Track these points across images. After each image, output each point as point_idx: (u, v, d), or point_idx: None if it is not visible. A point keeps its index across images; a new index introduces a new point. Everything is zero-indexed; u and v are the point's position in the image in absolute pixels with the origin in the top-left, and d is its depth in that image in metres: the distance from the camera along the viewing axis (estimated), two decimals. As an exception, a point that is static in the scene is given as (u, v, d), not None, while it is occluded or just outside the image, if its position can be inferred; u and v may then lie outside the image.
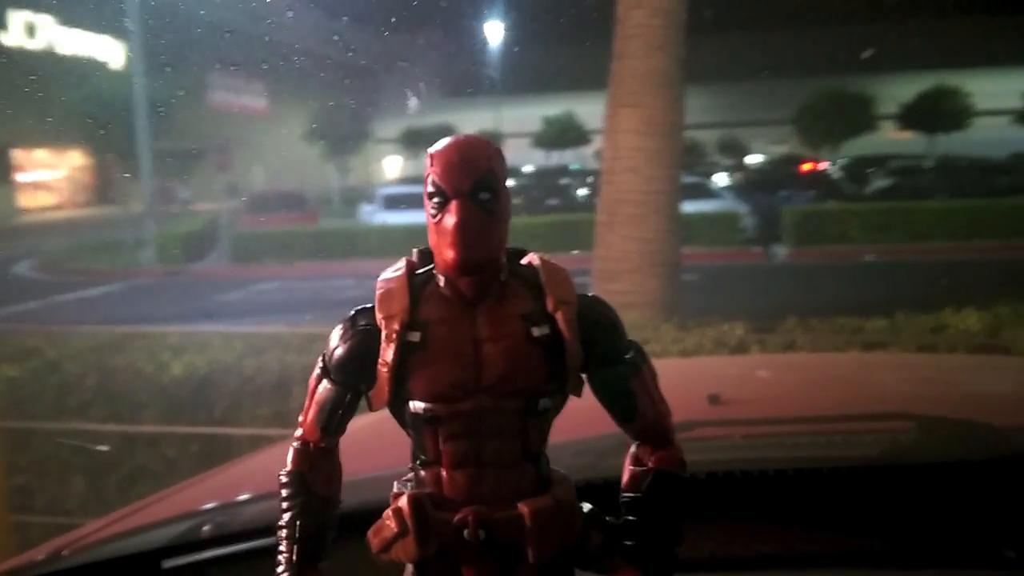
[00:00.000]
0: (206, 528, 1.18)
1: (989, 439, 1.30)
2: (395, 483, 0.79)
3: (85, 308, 12.42)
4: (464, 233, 0.73)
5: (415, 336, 0.75)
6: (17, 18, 26.82)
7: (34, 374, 3.94)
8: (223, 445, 3.61)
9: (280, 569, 0.80)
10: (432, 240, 0.76)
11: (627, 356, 0.80)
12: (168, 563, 1.15)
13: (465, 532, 0.75)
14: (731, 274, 13.37)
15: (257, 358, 3.91)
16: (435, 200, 0.75)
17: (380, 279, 0.79)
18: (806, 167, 23.40)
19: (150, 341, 4.29)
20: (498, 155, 0.77)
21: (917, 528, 1.08)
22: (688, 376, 2.05)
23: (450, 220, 0.73)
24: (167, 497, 1.57)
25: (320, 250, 15.79)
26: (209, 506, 1.37)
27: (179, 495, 1.57)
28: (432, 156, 0.76)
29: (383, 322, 0.76)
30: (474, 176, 0.74)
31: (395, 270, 0.79)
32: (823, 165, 24.02)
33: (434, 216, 0.75)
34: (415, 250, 0.81)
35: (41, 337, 4.43)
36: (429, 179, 0.75)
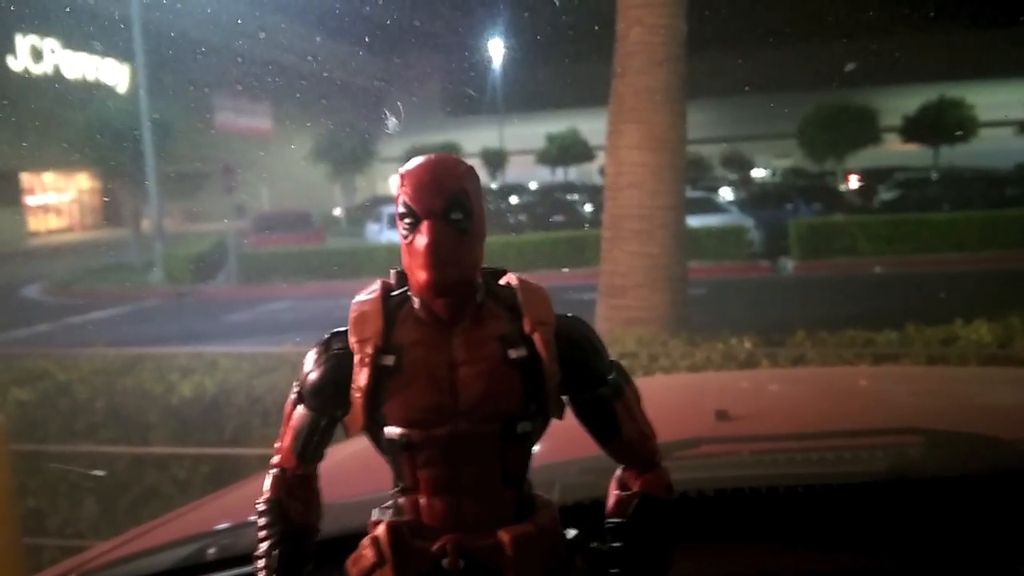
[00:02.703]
0: (212, 550, 1.17)
1: (1002, 453, 1.28)
2: (374, 511, 0.78)
3: (95, 330, 12.46)
4: (436, 254, 0.71)
5: (389, 360, 0.74)
6: (24, 43, 27.08)
7: (44, 397, 3.95)
8: (233, 466, 3.61)
9: None
10: (405, 261, 0.74)
11: (609, 377, 0.79)
12: None
13: (444, 561, 0.73)
14: (739, 288, 13.34)
15: (266, 378, 3.91)
16: (407, 221, 0.73)
17: (354, 301, 0.77)
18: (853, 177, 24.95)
19: (159, 362, 4.29)
20: (470, 174, 0.75)
21: (929, 545, 1.07)
22: (695, 392, 2.04)
23: (422, 241, 0.72)
24: (175, 519, 1.57)
25: (327, 269, 15.84)
26: (217, 528, 1.36)
27: (187, 517, 1.57)
28: (403, 176, 0.74)
29: (356, 346, 0.74)
30: (445, 196, 0.72)
31: (369, 292, 0.77)
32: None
33: (406, 237, 0.73)
34: (392, 271, 0.79)
35: (51, 360, 4.44)
36: (400, 199, 0.73)
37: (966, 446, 1.33)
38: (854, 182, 25.43)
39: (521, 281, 0.78)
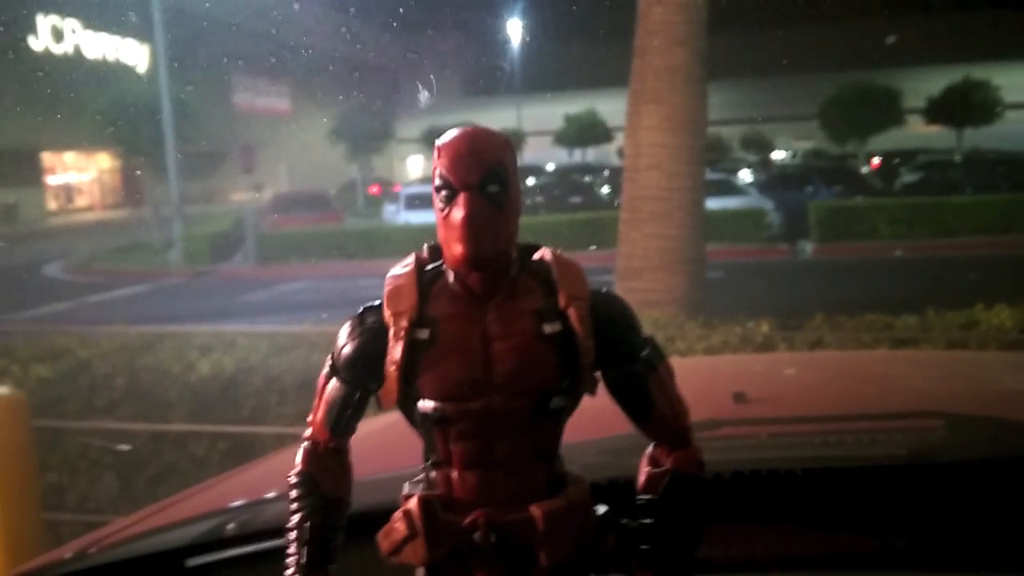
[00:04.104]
0: (230, 526, 1.18)
1: (1016, 437, 1.27)
2: (406, 484, 0.78)
3: (114, 308, 12.58)
4: (472, 227, 0.71)
5: (424, 333, 0.74)
6: (44, 23, 27.20)
7: (65, 374, 3.99)
8: (250, 444, 3.64)
9: (289, 572, 0.79)
10: (441, 235, 0.74)
11: (643, 353, 0.78)
12: (191, 562, 1.16)
13: (476, 535, 0.73)
14: (757, 271, 13.27)
15: (283, 357, 3.94)
16: (443, 193, 0.73)
17: (389, 275, 0.77)
18: (875, 160, 24.82)
19: (178, 341, 4.33)
20: (507, 147, 0.75)
21: (947, 528, 1.06)
22: (713, 374, 2.02)
23: (458, 214, 0.71)
24: (193, 495, 1.58)
25: (345, 250, 15.90)
26: (233, 504, 1.37)
27: (204, 493, 1.58)
28: (440, 148, 0.73)
29: (391, 319, 0.74)
30: (483, 168, 0.72)
31: (404, 266, 0.77)
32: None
33: (442, 210, 0.73)
34: (425, 245, 0.79)
35: (72, 337, 4.48)
36: (437, 171, 0.73)
37: (986, 430, 1.32)
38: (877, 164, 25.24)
39: (556, 256, 0.78)
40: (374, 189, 27.02)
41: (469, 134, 0.74)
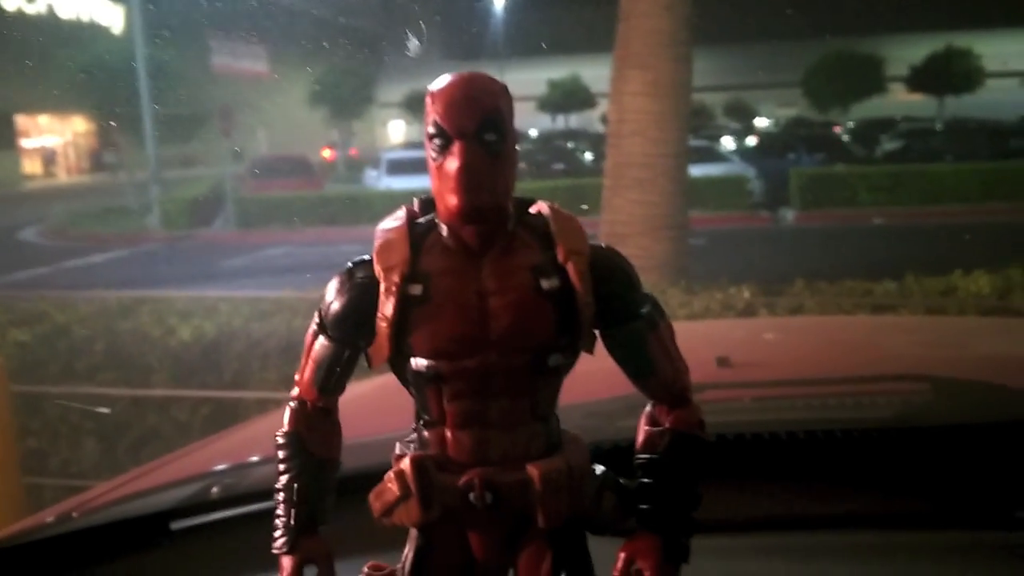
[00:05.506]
0: (214, 490, 1.18)
1: (998, 401, 1.29)
2: (397, 444, 0.76)
3: (92, 273, 12.46)
4: (468, 177, 0.68)
5: (416, 289, 0.71)
6: (17, -19, 26.55)
7: (43, 339, 3.96)
8: (232, 408, 3.63)
9: (278, 534, 0.76)
10: (434, 186, 0.71)
11: (643, 310, 0.76)
12: (176, 524, 1.15)
13: (471, 495, 0.71)
14: (739, 238, 13.32)
15: (264, 322, 3.92)
16: (437, 142, 0.69)
17: (379, 229, 0.74)
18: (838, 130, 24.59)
19: (158, 306, 4.30)
20: (504, 93, 0.72)
21: (927, 490, 1.08)
22: (696, 339, 2.03)
23: (453, 163, 0.68)
24: (176, 459, 1.58)
25: (325, 215, 15.79)
26: (218, 468, 1.37)
27: (188, 457, 1.58)
28: (434, 94, 0.70)
29: (382, 274, 0.71)
30: (479, 115, 0.69)
31: (395, 219, 0.74)
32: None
33: (436, 159, 0.70)
34: (416, 199, 0.76)
35: (50, 302, 4.44)
36: (431, 119, 0.70)
37: (964, 394, 1.34)
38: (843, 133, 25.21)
39: (554, 210, 0.75)
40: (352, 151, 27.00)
41: (466, 79, 0.70)
